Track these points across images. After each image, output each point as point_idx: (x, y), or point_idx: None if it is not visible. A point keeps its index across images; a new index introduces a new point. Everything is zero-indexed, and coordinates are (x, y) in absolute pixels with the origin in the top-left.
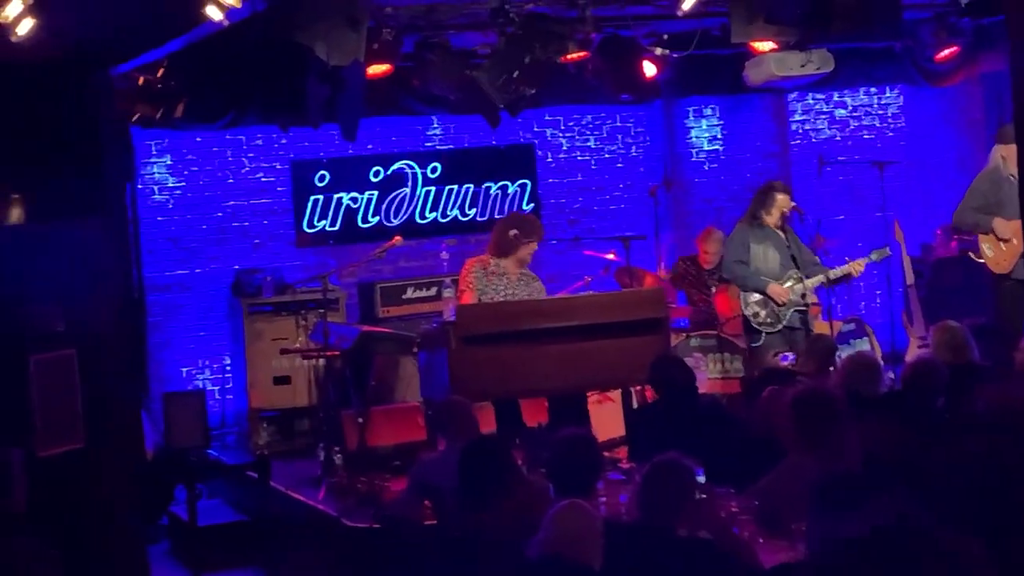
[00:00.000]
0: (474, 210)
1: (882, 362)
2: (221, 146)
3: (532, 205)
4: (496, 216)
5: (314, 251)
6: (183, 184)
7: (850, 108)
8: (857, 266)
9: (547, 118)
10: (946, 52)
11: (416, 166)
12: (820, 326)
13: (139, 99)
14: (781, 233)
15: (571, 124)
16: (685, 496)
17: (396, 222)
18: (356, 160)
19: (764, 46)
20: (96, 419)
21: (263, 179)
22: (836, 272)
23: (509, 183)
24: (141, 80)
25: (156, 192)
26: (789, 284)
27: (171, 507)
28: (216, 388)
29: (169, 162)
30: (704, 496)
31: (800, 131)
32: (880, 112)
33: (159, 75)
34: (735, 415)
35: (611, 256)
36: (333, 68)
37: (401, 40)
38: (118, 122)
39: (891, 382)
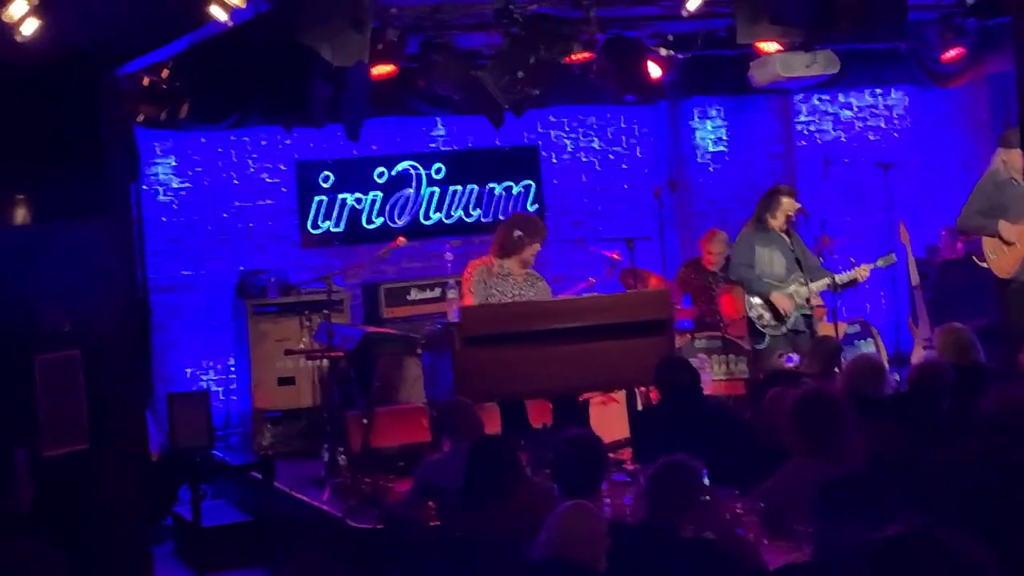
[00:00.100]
0: (478, 211)
1: (887, 364)
2: (225, 147)
3: (536, 206)
4: (500, 217)
5: (318, 252)
6: (188, 185)
7: (855, 109)
8: (863, 272)
9: (551, 119)
10: (952, 53)
11: (420, 167)
12: (825, 328)
13: (143, 100)
14: (786, 237)
15: (575, 125)
16: (692, 497)
17: (400, 223)
18: (360, 161)
19: (769, 47)
20: (100, 419)
21: (267, 180)
22: (843, 278)
23: (513, 184)
24: (146, 81)
25: (161, 193)
26: (794, 288)
27: (175, 507)
28: (220, 389)
29: (173, 163)
30: (709, 497)
31: (805, 132)
32: (885, 113)
33: (164, 76)
34: (740, 417)
35: (615, 256)
36: (337, 69)
37: (406, 41)
38: (122, 122)
39: (896, 384)
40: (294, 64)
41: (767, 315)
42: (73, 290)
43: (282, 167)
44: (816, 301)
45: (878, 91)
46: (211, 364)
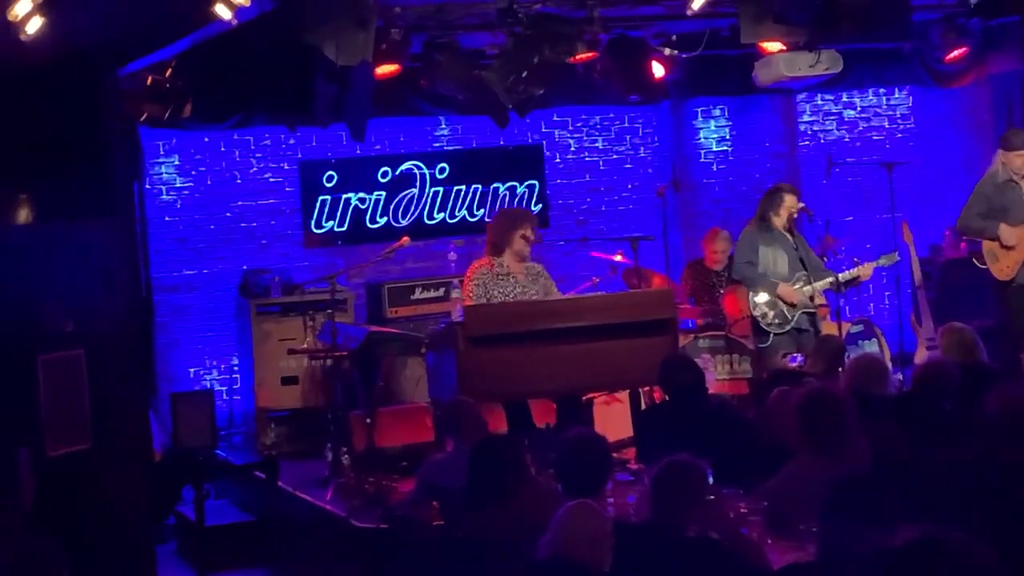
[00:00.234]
0: (482, 211)
1: (891, 363)
2: (229, 146)
3: (540, 206)
4: None
5: (322, 251)
6: (191, 184)
7: (859, 109)
8: (866, 270)
9: (555, 119)
10: (955, 53)
11: (424, 167)
12: (828, 327)
13: (147, 99)
14: (789, 236)
15: (579, 125)
16: (696, 496)
17: (404, 223)
18: (364, 160)
19: (773, 46)
20: (104, 419)
21: (271, 179)
22: (845, 276)
23: (517, 184)
24: (149, 80)
25: (164, 192)
26: (798, 286)
27: (178, 507)
28: (224, 388)
29: (177, 162)
30: (713, 497)
31: (809, 132)
32: (889, 113)
33: (167, 75)
34: (743, 416)
35: (618, 257)
36: (341, 68)
37: (409, 40)
38: (126, 122)
39: (900, 383)
40: (298, 63)
41: (771, 314)
42: (76, 290)
43: (285, 166)
44: (820, 300)
45: (882, 91)
46: (214, 364)
